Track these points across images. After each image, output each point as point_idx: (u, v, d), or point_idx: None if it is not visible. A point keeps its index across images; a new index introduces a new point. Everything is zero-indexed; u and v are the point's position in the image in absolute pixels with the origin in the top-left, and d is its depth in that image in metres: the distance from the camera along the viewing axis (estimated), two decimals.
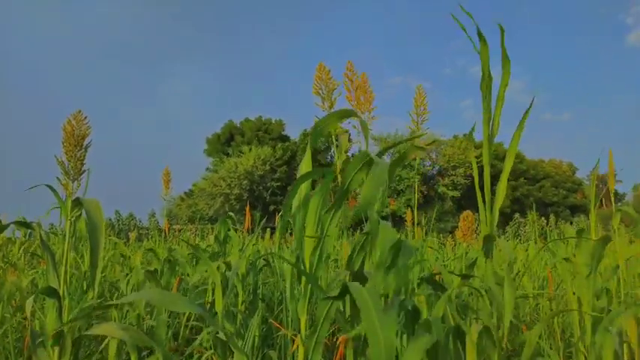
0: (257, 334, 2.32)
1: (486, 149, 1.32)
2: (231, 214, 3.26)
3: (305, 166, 1.39)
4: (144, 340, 1.47)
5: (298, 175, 1.32)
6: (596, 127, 63.11)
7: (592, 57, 63.86)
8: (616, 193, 2.45)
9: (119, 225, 25.61)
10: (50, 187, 1.54)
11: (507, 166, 1.33)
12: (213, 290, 2.62)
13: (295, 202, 1.30)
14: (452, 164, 36.42)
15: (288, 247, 4.13)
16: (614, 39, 64.77)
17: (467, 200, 33.86)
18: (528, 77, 61.51)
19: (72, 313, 2.19)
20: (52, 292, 1.48)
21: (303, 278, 1.25)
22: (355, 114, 1.32)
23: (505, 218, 30.30)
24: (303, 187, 1.32)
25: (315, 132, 1.28)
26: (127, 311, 2.52)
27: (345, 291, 1.08)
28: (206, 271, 3.03)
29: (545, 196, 38.38)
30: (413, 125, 2.10)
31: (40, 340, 1.52)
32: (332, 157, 37.54)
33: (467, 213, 1.65)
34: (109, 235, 4.47)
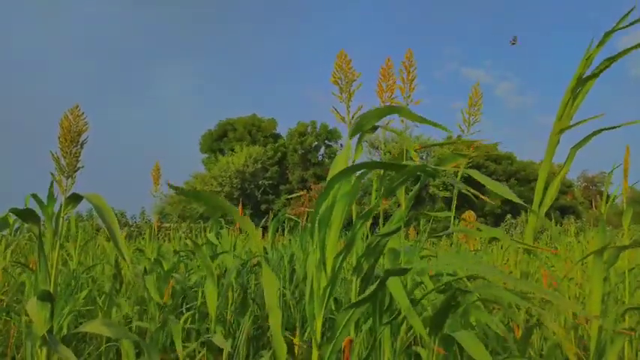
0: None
1: (552, 146, 1.24)
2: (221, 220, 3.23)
3: (342, 161, 1.25)
4: (129, 336, 1.43)
5: (331, 172, 1.21)
6: None
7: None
8: (607, 196, 2.42)
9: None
10: (53, 175, 1.48)
11: (564, 171, 1.25)
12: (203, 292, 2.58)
13: (324, 206, 1.16)
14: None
15: (282, 245, 4.10)
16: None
17: (458, 201, 33.90)
18: (518, 80, 62.60)
19: (62, 312, 2.14)
20: (46, 296, 1.43)
21: (323, 280, 1.18)
22: (402, 112, 1.23)
23: (496, 219, 30.44)
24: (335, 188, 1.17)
25: (357, 126, 1.20)
26: (115, 311, 2.48)
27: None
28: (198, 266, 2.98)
29: None
30: (464, 124, 1.97)
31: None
32: (322, 156, 37.33)
33: (469, 213, 1.61)
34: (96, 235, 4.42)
